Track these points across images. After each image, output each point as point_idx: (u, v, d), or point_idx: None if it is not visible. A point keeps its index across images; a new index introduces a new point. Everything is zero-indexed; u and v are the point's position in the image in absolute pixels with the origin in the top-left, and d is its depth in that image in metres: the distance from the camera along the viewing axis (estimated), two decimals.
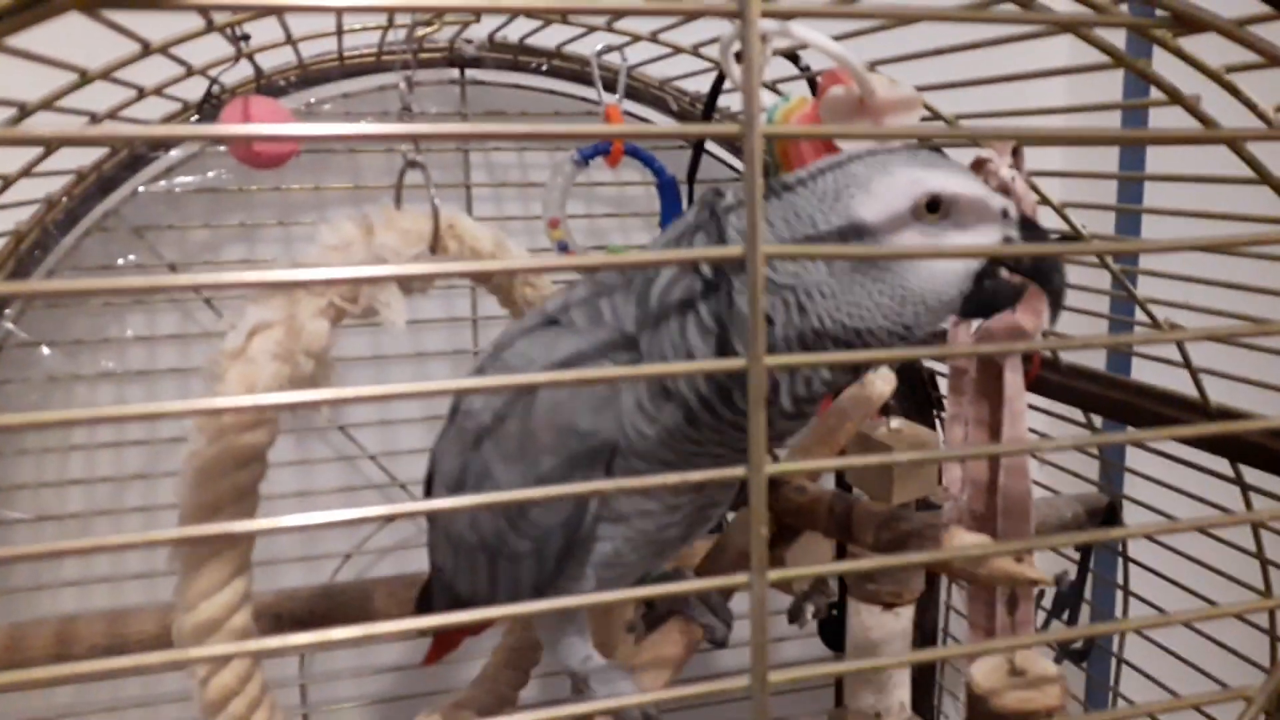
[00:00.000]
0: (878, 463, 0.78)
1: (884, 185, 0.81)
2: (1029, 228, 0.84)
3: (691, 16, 1.41)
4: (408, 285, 1.24)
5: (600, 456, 0.90)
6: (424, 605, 1.30)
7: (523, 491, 0.64)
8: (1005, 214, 0.83)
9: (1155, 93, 0.99)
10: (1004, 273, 0.85)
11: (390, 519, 0.63)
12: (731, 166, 1.91)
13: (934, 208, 0.81)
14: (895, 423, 1.30)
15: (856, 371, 0.89)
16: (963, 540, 0.83)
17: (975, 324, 1.36)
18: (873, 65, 1.34)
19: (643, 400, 0.89)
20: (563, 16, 1.60)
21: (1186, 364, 1.36)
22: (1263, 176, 0.90)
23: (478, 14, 1.41)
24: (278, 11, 1.14)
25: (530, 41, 1.82)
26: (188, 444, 1.12)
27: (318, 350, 1.16)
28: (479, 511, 0.98)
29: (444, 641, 1.36)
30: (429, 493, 1.13)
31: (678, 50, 1.64)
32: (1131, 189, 2.13)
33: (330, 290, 1.17)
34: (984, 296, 0.84)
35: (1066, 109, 1.31)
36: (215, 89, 1.56)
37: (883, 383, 1.25)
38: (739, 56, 1.30)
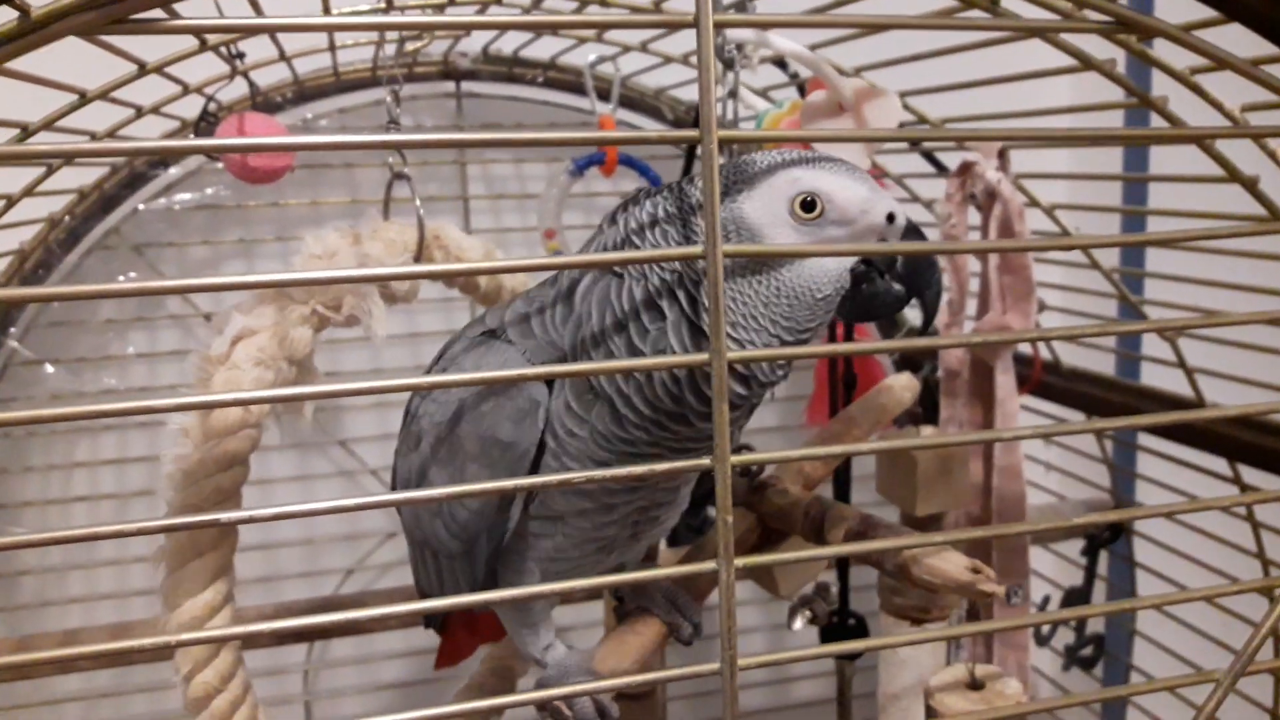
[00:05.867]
0: (842, 454, 0.77)
1: (766, 184, 0.84)
2: (912, 233, 0.86)
3: (649, 27, 1.42)
4: (391, 295, 1.25)
5: (520, 465, 0.93)
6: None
7: (460, 487, 0.69)
8: (891, 219, 0.84)
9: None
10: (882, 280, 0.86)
11: (347, 510, 0.65)
12: None
13: (809, 207, 0.83)
14: (926, 430, 1.28)
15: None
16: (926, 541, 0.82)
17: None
18: (858, 71, 1.34)
19: (570, 401, 0.91)
20: (553, 29, 1.61)
21: (1181, 364, 1.34)
22: (1231, 174, 0.89)
23: (427, 31, 1.41)
24: (267, 31, 1.14)
25: (524, 54, 1.83)
26: (175, 448, 1.13)
27: (300, 357, 1.17)
28: (419, 512, 1.04)
29: (453, 648, 1.36)
30: (393, 490, 1.16)
31: (669, 60, 1.64)
32: (1136, 192, 2.11)
33: (313, 299, 1.18)
34: (862, 300, 0.86)
35: (1033, 112, 1.31)
36: (212, 106, 1.57)
37: (902, 389, 1.20)
38: (727, 64, 1.30)
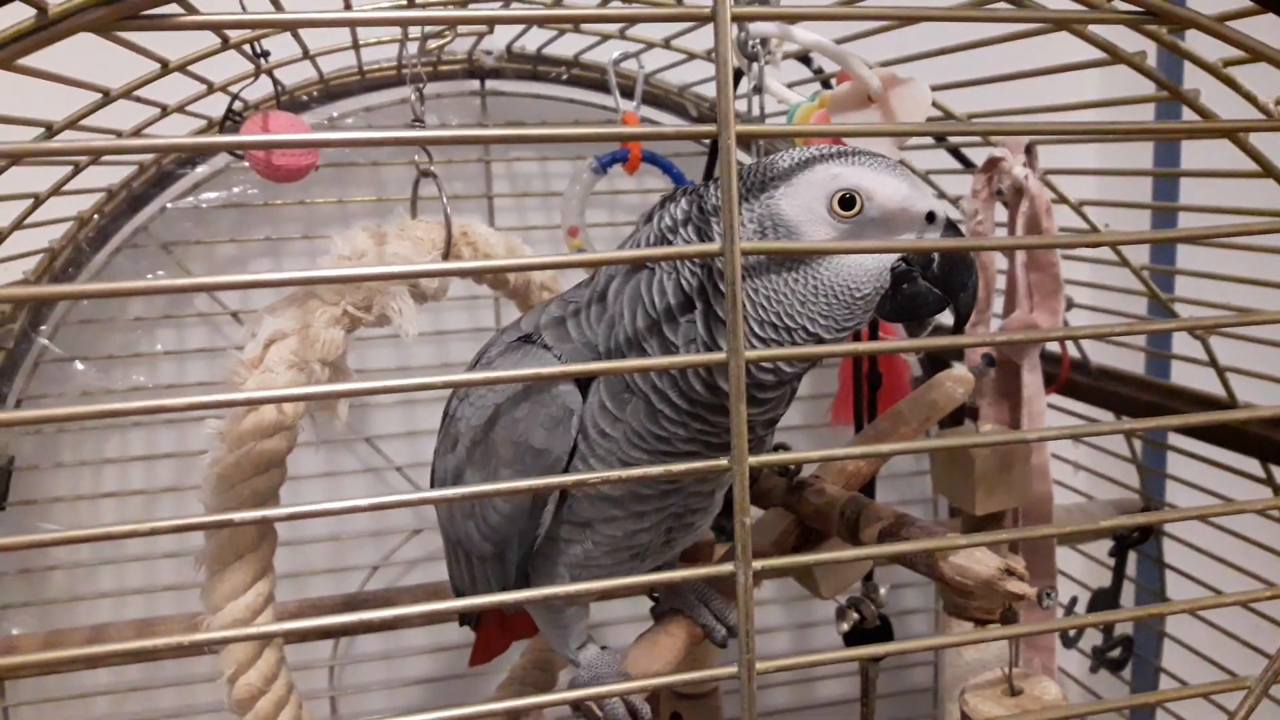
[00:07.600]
0: (861, 455, 0.76)
1: (804, 179, 0.82)
2: (950, 231, 0.84)
3: (667, 20, 1.41)
4: (421, 293, 1.25)
5: (552, 472, 0.92)
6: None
7: (486, 486, 0.71)
8: (931, 218, 0.83)
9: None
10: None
11: (375, 509, 0.65)
12: None
13: (848, 204, 0.82)
14: (986, 427, 1.26)
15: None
16: (955, 542, 0.81)
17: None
18: (886, 65, 1.33)
19: (605, 400, 0.91)
20: (576, 25, 1.60)
21: (1212, 363, 1.32)
22: (1265, 169, 0.87)
23: (453, 24, 1.40)
24: (283, 25, 1.15)
25: (548, 51, 1.83)
26: (209, 453, 1.13)
27: (333, 358, 1.17)
28: (453, 513, 1.05)
29: (486, 645, 1.36)
30: (432, 486, 1.17)
31: (692, 56, 1.64)
32: (1166, 188, 2.08)
33: (344, 300, 1.18)
34: (903, 300, 0.85)
35: (1061, 107, 1.29)
36: (238, 105, 1.58)
37: (954, 384, 1.16)
38: (751, 59, 1.30)
